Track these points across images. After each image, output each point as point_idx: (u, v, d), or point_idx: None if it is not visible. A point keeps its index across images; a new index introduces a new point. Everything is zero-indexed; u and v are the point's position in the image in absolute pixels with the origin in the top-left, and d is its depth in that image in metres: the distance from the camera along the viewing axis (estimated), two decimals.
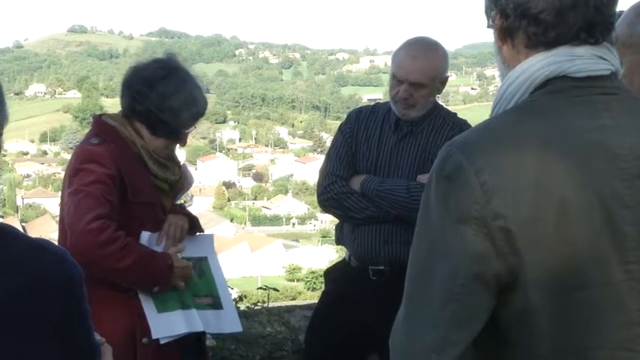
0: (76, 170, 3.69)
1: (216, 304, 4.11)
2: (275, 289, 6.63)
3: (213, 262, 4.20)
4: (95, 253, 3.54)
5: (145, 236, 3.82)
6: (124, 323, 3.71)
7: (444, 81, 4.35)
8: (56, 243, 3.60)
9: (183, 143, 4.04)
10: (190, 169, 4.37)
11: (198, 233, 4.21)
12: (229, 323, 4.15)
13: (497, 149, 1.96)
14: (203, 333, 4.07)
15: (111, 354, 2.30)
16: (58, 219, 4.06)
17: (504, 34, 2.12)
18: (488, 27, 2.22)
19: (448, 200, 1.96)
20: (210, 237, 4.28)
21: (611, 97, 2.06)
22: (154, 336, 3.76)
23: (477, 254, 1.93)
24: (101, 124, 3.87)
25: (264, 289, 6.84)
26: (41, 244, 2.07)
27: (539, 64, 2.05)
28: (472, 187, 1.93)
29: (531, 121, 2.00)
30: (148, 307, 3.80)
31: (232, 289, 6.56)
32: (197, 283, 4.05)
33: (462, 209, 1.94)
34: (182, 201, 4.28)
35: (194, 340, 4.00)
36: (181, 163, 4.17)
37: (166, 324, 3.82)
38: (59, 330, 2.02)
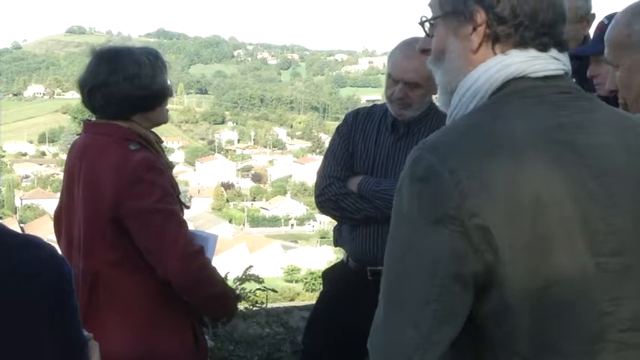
0: (135, 181, 3.61)
1: None
2: (274, 290, 6.61)
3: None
4: (195, 277, 3.63)
5: (212, 237, 3.91)
6: (187, 326, 3.81)
7: None
8: (54, 244, 3.63)
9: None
10: (189, 170, 4.36)
11: (201, 231, 4.19)
12: None
13: (468, 149, 1.97)
14: None
15: (98, 350, 2.31)
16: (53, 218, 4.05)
17: (488, 37, 2.11)
18: (431, 22, 2.25)
19: (422, 201, 1.96)
20: (214, 237, 4.24)
21: (566, 95, 2.11)
22: (210, 344, 3.88)
23: (454, 253, 1.92)
24: (118, 128, 3.76)
25: (263, 290, 6.84)
26: (31, 241, 2.07)
27: (499, 66, 2.08)
28: (446, 186, 1.92)
29: (497, 122, 2.01)
30: None
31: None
32: None
33: (437, 209, 1.93)
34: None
35: None
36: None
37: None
38: (50, 325, 2.02)
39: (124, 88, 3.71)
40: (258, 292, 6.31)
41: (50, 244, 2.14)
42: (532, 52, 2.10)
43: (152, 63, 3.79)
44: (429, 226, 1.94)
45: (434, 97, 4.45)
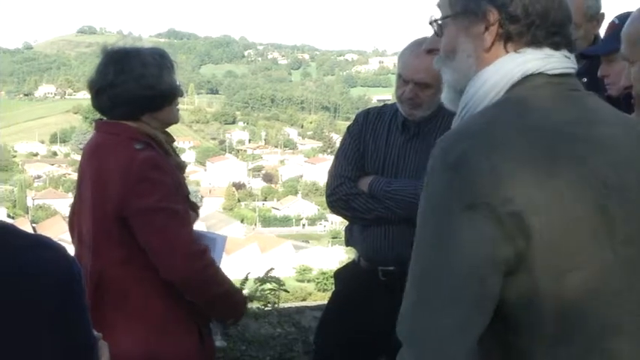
0: (139, 180, 3.63)
1: None
2: (285, 290, 6.63)
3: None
4: (199, 277, 3.63)
5: (220, 238, 3.95)
6: (192, 325, 3.79)
7: None
8: (67, 244, 3.64)
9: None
10: (200, 170, 4.36)
11: (213, 232, 4.20)
12: None
13: (499, 137, 2.03)
14: None
15: (107, 349, 2.32)
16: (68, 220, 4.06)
17: (500, 36, 2.18)
18: (440, 22, 2.30)
19: (455, 188, 2.00)
20: (222, 238, 4.24)
21: (577, 92, 2.22)
22: (219, 344, 3.91)
23: (487, 239, 1.96)
24: (126, 128, 3.78)
25: (275, 290, 6.85)
26: (40, 240, 2.07)
27: (515, 62, 2.16)
28: (480, 173, 1.97)
29: (522, 114, 2.08)
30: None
31: (243, 289, 6.57)
32: None
33: (470, 196, 1.97)
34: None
35: None
36: None
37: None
38: (58, 325, 2.01)
39: (130, 89, 3.74)
40: (270, 291, 6.32)
41: (60, 244, 2.13)
42: (547, 51, 2.18)
43: (158, 62, 3.80)
44: (462, 213, 1.98)
45: None
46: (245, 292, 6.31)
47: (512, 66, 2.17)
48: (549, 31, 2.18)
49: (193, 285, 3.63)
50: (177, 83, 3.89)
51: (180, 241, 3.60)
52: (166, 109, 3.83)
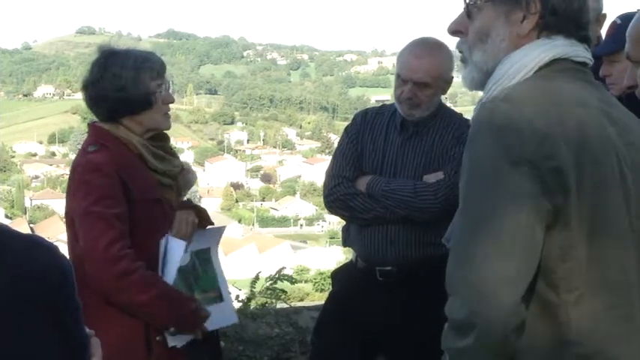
0: (79, 183, 3.73)
1: (220, 297, 4.11)
2: (283, 291, 6.64)
3: (214, 253, 4.16)
4: (112, 284, 3.59)
5: (175, 243, 3.84)
6: (137, 323, 3.70)
7: (449, 81, 4.35)
8: (64, 244, 3.65)
9: (163, 108, 3.91)
10: (198, 170, 4.35)
11: (209, 227, 4.18)
12: (227, 316, 4.17)
13: (540, 101, 2.19)
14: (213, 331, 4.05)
15: (100, 347, 2.31)
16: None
17: (537, 25, 2.36)
18: (478, 4, 2.42)
19: (500, 146, 2.15)
20: (220, 229, 4.25)
21: (595, 81, 2.42)
22: (171, 344, 3.76)
23: (531, 193, 2.11)
24: (96, 130, 3.89)
25: (272, 291, 6.86)
26: (32, 240, 2.07)
27: (544, 48, 2.34)
28: (525, 132, 2.13)
29: (555, 85, 2.26)
30: None
31: (240, 290, 6.57)
32: (204, 277, 4.05)
33: (515, 153, 2.12)
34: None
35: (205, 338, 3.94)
36: (184, 162, 4.18)
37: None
38: (51, 324, 2.02)
39: (104, 88, 3.80)
40: (268, 292, 6.33)
41: (52, 244, 2.13)
42: (573, 41, 2.37)
43: (138, 66, 3.80)
44: (508, 168, 2.12)
45: (442, 97, 4.45)
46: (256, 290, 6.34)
47: (543, 49, 2.33)
48: (579, 27, 2.39)
49: (105, 290, 3.59)
50: (161, 90, 3.85)
51: (97, 245, 3.59)
52: (147, 113, 3.83)
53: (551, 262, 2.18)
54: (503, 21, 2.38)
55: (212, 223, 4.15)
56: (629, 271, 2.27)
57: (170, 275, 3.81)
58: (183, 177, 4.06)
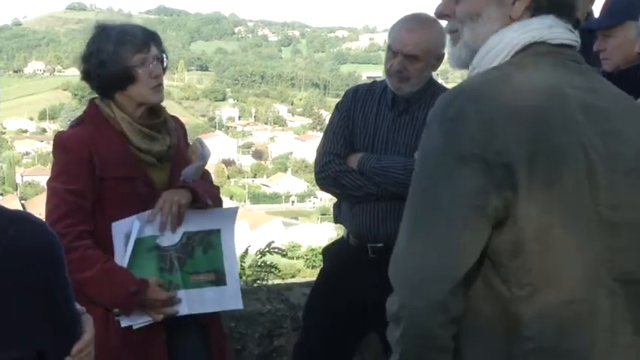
0: (53, 156, 3.85)
1: (219, 281, 4.03)
2: (275, 267, 6.63)
3: (227, 236, 4.07)
4: None
5: (126, 222, 3.79)
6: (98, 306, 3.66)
7: (439, 57, 4.34)
8: None
9: (153, 82, 3.87)
10: None
11: (222, 207, 4.18)
12: (229, 300, 4.07)
13: (497, 95, 2.16)
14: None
15: (92, 323, 2.33)
16: None
17: (529, 7, 2.33)
18: None
19: (449, 139, 2.13)
20: (233, 210, 4.19)
21: (577, 64, 2.35)
22: (123, 324, 3.76)
23: (477, 188, 2.09)
24: (89, 106, 3.93)
25: (263, 267, 6.85)
26: (20, 215, 2.08)
27: (521, 31, 2.31)
28: (474, 127, 2.11)
29: (523, 75, 2.23)
30: None
31: (243, 262, 6.53)
32: (200, 259, 3.99)
33: (463, 147, 2.11)
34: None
35: (195, 318, 3.94)
36: (197, 138, 4.16)
37: (138, 310, 3.79)
38: (40, 300, 2.03)
39: (90, 63, 3.83)
40: (258, 268, 6.32)
41: (40, 219, 2.15)
42: (558, 22, 2.34)
43: (118, 40, 3.79)
44: (455, 162, 2.11)
45: (434, 74, 4.44)
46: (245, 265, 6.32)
47: (518, 34, 2.31)
48: (570, 6, 2.38)
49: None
50: (146, 63, 3.81)
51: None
52: (133, 88, 3.82)
53: (501, 257, 2.16)
54: (495, 2, 2.35)
55: (205, 205, 4.00)
56: (591, 265, 2.22)
57: (119, 256, 3.80)
58: (189, 156, 4.03)
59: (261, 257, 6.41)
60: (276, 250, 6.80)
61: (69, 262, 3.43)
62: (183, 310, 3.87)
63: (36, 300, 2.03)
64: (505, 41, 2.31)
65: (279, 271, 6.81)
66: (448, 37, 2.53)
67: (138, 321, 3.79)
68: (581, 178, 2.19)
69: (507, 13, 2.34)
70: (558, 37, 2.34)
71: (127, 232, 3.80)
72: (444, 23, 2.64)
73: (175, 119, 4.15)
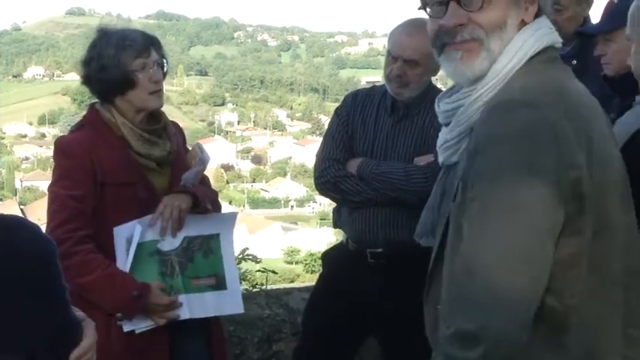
0: (53, 162, 3.84)
1: (220, 285, 4.03)
2: (274, 272, 6.64)
3: (226, 241, 4.08)
4: None
5: (128, 226, 3.79)
6: (99, 306, 3.67)
7: (439, 62, 4.32)
8: None
9: (152, 87, 3.86)
10: None
11: (222, 212, 4.18)
12: (230, 304, 4.08)
13: (554, 105, 2.13)
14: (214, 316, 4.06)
15: (93, 329, 2.31)
16: None
17: (536, 10, 2.37)
18: None
19: (521, 156, 2.07)
20: (232, 215, 4.21)
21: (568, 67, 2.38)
22: (125, 329, 3.75)
23: (549, 204, 2.05)
24: (89, 111, 3.94)
25: (263, 272, 6.85)
26: (13, 221, 2.06)
27: (536, 36, 2.31)
28: (546, 140, 2.07)
29: (556, 83, 2.24)
30: None
31: None
32: (200, 264, 3.99)
33: (536, 163, 2.06)
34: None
35: (197, 322, 3.95)
36: (196, 143, 4.16)
37: (141, 315, 3.79)
38: (35, 304, 2.01)
39: (91, 68, 3.83)
40: (258, 273, 6.32)
41: (35, 224, 2.12)
42: (549, 23, 2.40)
43: (118, 45, 3.79)
44: (528, 178, 2.05)
45: (433, 79, 4.44)
46: None
47: (534, 40, 2.32)
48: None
49: None
50: (145, 68, 3.82)
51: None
52: (133, 93, 3.82)
53: (558, 268, 2.12)
54: (514, 6, 2.34)
55: (207, 210, 4.01)
56: (617, 271, 2.26)
57: (121, 261, 3.80)
58: (187, 158, 4.04)
59: (237, 264, 6.41)
60: (250, 257, 6.78)
61: (70, 267, 3.44)
62: (184, 314, 3.88)
63: (30, 306, 2.00)
64: (525, 48, 2.30)
65: (253, 279, 6.79)
66: (459, 53, 2.42)
67: (140, 325, 3.80)
68: (616, 184, 2.24)
69: (521, 17, 2.34)
70: (558, 40, 2.38)
71: (128, 237, 3.80)
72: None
73: (174, 124, 4.15)
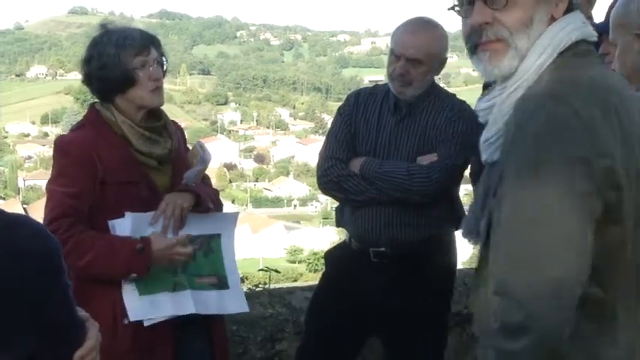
0: (53, 159, 3.86)
1: (222, 284, 4.04)
2: (276, 271, 6.63)
3: (227, 241, 4.10)
4: None
5: (128, 219, 3.79)
6: (105, 306, 3.69)
7: (442, 61, 4.33)
8: None
9: (153, 84, 3.87)
10: None
11: (224, 211, 4.19)
12: (234, 303, 4.09)
13: (585, 95, 2.14)
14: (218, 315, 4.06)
15: (97, 329, 2.30)
16: None
17: (566, 5, 2.36)
18: None
19: (552, 147, 2.08)
20: (233, 215, 4.21)
21: (601, 60, 2.40)
22: (132, 319, 3.75)
23: (585, 192, 2.06)
24: (89, 109, 3.95)
25: (266, 271, 6.84)
26: (17, 220, 2.05)
27: (565, 31, 2.31)
28: (577, 130, 2.08)
29: (588, 75, 2.24)
30: (128, 290, 3.78)
31: None
32: (201, 263, 4.00)
33: (569, 151, 2.07)
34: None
35: (200, 321, 3.95)
36: (197, 141, 4.17)
37: (148, 306, 3.79)
38: (37, 304, 2.00)
39: (92, 66, 3.84)
40: (261, 272, 6.31)
41: (38, 222, 2.13)
42: (582, 17, 2.39)
43: (118, 43, 3.80)
44: (562, 167, 2.07)
45: (436, 77, 4.44)
46: None
47: (564, 34, 2.32)
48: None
49: None
50: (145, 66, 3.82)
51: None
52: (133, 91, 3.83)
53: (600, 259, 2.12)
54: (543, 4, 2.34)
55: (208, 209, 4.02)
56: None
57: None
58: (189, 157, 4.04)
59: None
60: (274, 270, 6.77)
61: (68, 253, 3.45)
62: (190, 308, 3.87)
63: (32, 304, 2.00)
64: (555, 42, 2.30)
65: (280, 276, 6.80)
66: (486, 54, 2.41)
67: (148, 315, 3.79)
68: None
69: (550, 12, 2.34)
70: (593, 34, 2.38)
71: (123, 229, 3.80)
72: (447, 25, 2.59)
73: (174, 123, 4.15)
